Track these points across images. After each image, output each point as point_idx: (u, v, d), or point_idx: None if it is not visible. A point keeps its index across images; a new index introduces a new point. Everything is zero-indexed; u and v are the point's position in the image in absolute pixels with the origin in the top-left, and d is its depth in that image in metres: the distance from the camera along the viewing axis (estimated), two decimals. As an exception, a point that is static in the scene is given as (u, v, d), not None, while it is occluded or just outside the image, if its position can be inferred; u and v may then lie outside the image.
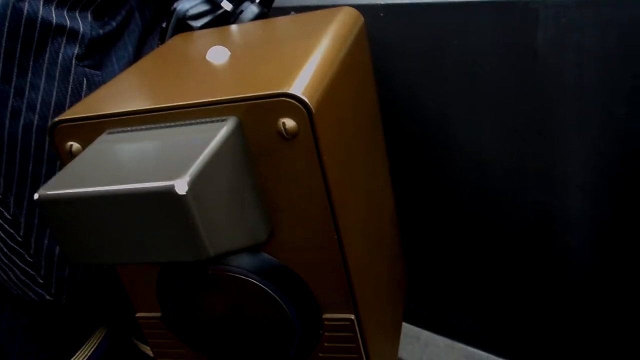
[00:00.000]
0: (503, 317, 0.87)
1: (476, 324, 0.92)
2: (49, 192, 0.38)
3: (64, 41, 0.61)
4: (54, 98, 0.61)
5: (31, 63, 0.59)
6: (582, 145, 0.66)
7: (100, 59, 0.67)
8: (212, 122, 0.42)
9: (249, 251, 0.49)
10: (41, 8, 0.58)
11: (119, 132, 0.44)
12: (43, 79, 0.60)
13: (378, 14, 0.71)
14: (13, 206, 0.61)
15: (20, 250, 0.63)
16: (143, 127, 0.44)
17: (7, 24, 0.56)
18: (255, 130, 0.42)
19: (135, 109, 0.44)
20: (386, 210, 0.69)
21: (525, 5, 0.62)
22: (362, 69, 0.60)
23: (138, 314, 0.57)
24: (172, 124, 0.43)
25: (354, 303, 0.50)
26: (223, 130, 0.41)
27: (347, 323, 0.51)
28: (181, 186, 0.35)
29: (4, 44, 0.56)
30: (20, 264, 0.63)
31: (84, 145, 0.46)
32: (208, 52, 0.52)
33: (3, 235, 0.62)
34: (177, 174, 0.35)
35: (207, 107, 0.42)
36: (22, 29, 0.57)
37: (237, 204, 0.42)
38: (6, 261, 0.63)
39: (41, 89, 0.60)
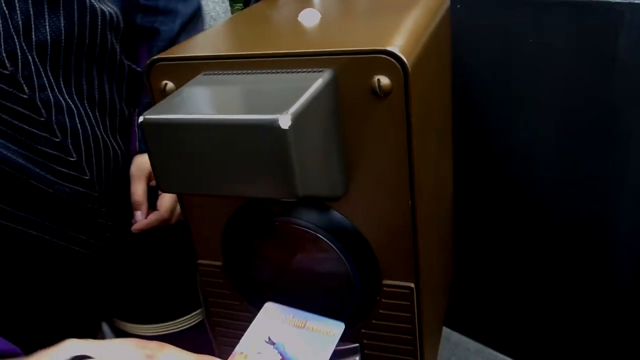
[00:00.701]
0: (537, 327, 0.87)
1: (509, 332, 0.92)
2: (153, 117, 0.40)
3: None
4: None
5: None
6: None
7: None
8: (309, 72, 0.43)
9: (319, 208, 0.50)
10: None
11: (215, 73, 0.46)
12: None
13: (455, 6, 0.72)
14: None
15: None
16: (239, 71, 0.45)
17: None
18: (349, 85, 0.43)
19: (233, 53, 0.46)
20: (447, 194, 0.69)
21: (610, 7, 0.62)
22: (445, 47, 0.61)
23: (199, 261, 0.58)
24: (269, 71, 0.45)
25: (417, 272, 0.51)
26: (320, 80, 0.42)
27: (406, 291, 0.51)
28: (285, 121, 0.36)
29: None
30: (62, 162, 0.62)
31: (178, 86, 0.47)
32: (300, 14, 0.54)
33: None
34: (281, 110, 0.37)
35: (305, 57, 0.44)
36: None
37: (324, 153, 0.43)
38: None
39: None
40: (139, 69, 0.71)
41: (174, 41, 0.70)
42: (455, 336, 1.02)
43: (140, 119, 0.39)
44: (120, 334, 0.85)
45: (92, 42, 0.61)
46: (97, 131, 0.63)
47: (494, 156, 0.79)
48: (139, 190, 0.68)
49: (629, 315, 0.74)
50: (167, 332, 0.83)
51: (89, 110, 0.63)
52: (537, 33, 0.68)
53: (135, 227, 0.69)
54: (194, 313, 0.84)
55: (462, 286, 0.92)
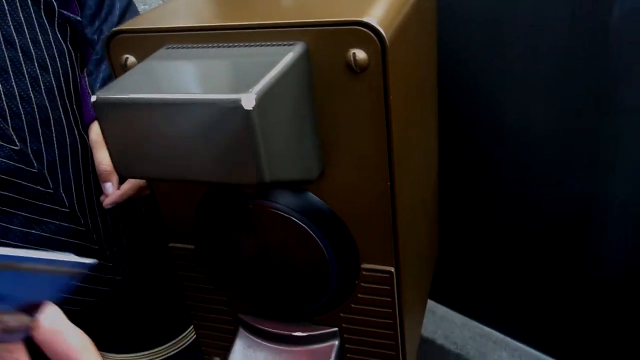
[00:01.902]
0: (524, 301, 0.86)
1: (495, 305, 0.91)
2: (107, 96, 0.36)
3: None
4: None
5: None
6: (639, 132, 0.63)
7: None
8: (279, 45, 0.40)
9: (294, 190, 0.47)
10: None
11: (179, 47, 0.43)
12: None
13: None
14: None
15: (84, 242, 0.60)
16: (205, 45, 0.42)
17: None
18: (323, 60, 0.40)
19: (198, 24, 0.42)
20: (431, 173, 0.67)
21: (605, -26, 0.59)
22: (430, 21, 0.58)
23: (171, 244, 0.56)
24: (236, 44, 0.41)
25: (396, 256, 0.48)
26: (290, 54, 0.39)
27: (386, 275, 0.49)
28: (249, 100, 0.33)
29: None
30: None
31: (140, 60, 0.44)
32: None
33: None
34: (245, 88, 0.34)
35: (274, 29, 0.40)
36: None
37: (295, 133, 0.40)
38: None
39: None
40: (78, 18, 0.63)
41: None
42: (441, 309, 1.01)
43: (93, 98, 0.36)
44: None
45: None
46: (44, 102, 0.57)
47: (483, 133, 0.76)
48: (105, 158, 0.59)
49: (616, 291, 0.73)
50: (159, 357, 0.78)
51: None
52: (531, 3, 0.64)
53: (108, 200, 0.61)
54: (183, 335, 0.80)
55: (448, 260, 0.90)
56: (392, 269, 0.49)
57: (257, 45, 0.41)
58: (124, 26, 0.45)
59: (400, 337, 0.53)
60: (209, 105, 0.34)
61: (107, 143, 0.38)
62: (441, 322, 1.00)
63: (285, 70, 0.37)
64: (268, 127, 0.35)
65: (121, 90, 0.37)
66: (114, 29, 0.45)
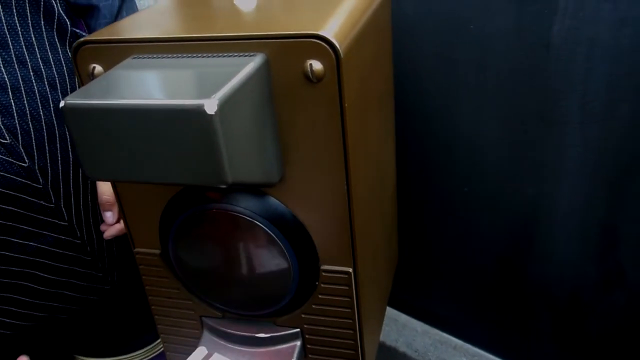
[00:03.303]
0: (482, 307, 0.89)
1: (454, 313, 0.94)
2: (75, 102, 0.38)
3: None
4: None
5: None
6: (582, 141, 0.67)
7: None
8: (241, 56, 0.43)
9: (256, 194, 0.49)
10: None
11: (145, 57, 0.45)
12: None
13: (397, -8, 0.72)
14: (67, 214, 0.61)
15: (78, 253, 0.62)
16: (170, 55, 0.44)
17: None
18: (282, 70, 0.43)
19: (164, 36, 0.44)
20: (389, 181, 0.70)
21: (547, -6, 0.63)
22: (385, 34, 0.61)
23: (136, 249, 0.57)
24: (200, 55, 0.44)
25: (354, 257, 0.51)
26: (252, 64, 0.41)
27: (344, 276, 0.51)
28: (211, 106, 0.35)
29: None
30: (80, 268, 0.63)
31: (107, 69, 0.46)
32: None
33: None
34: (207, 95, 0.36)
35: (237, 41, 0.43)
36: None
37: (256, 139, 0.42)
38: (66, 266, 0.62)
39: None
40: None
41: (116, 17, 0.67)
42: (403, 318, 1.03)
43: (62, 103, 0.38)
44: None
45: None
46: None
47: (436, 142, 0.80)
48: (107, 190, 0.62)
49: (571, 289, 0.77)
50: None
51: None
52: (479, 19, 0.69)
53: (108, 233, 0.62)
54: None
55: (409, 269, 0.93)
56: (350, 270, 0.51)
57: (220, 56, 0.43)
58: (92, 36, 0.47)
59: (359, 337, 0.55)
60: (174, 110, 0.36)
61: (76, 146, 0.40)
62: (403, 329, 1.03)
63: (246, 79, 0.40)
64: (229, 131, 0.37)
65: (89, 96, 0.39)
66: (81, 39, 0.47)
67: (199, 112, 0.36)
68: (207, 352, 0.54)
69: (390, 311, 1.04)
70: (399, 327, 1.03)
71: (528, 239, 0.78)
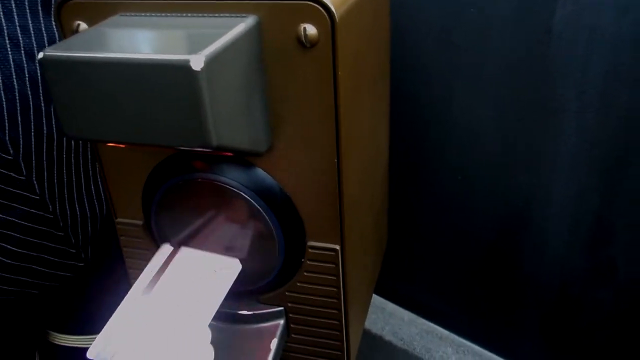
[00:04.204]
0: (469, 297, 0.88)
1: (441, 303, 0.93)
2: (55, 53, 0.36)
3: None
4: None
5: None
6: (578, 130, 0.66)
7: None
8: (231, 17, 0.41)
9: (243, 165, 0.48)
10: None
11: (132, 15, 0.43)
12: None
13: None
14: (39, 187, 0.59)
15: (50, 228, 0.60)
16: (159, 14, 0.43)
17: None
18: (274, 33, 0.41)
19: (153, -7, 0.43)
20: (381, 162, 0.68)
21: (549, -21, 0.62)
22: (383, 10, 0.60)
23: (118, 220, 0.55)
24: (189, 14, 0.42)
25: (342, 234, 0.49)
26: (242, 24, 0.39)
27: (331, 253, 0.50)
28: (197, 62, 0.34)
29: None
30: (52, 243, 0.61)
31: (93, 27, 0.44)
32: None
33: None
34: (194, 51, 0.34)
35: (228, 1, 0.41)
36: None
37: (244, 103, 0.41)
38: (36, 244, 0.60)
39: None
40: None
41: None
42: (390, 306, 1.02)
43: (40, 55, 0.36)
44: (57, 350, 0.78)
45: None
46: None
47: (431, 127, 0.78)
48: None
49: (560, 282, 0.76)
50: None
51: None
52: (480, 2, 0.67)
53: None
54: None
55: (397, 257, 0.92)
56: (338, 247, 0.50)
57: (210, 15, 0.41)
58: (77, -7, 0.45)
59: (344, 317, 0.54)
60: (158, 66, 0.35)
61: (55, 103, 0.38)
62: (390, 318, 1.02)
63: (236, 39, 0.38)
64: (216, 91, 0.36)
65: (70, 48, 0.37)
66: (66, -5, 0.45)
67: (184, 67, 0.34)
68: (172, 248, 0.53)
69: (377, 299, 1.03)
70: (386, 316, 1.02)
71: (519, 229, 0.77)
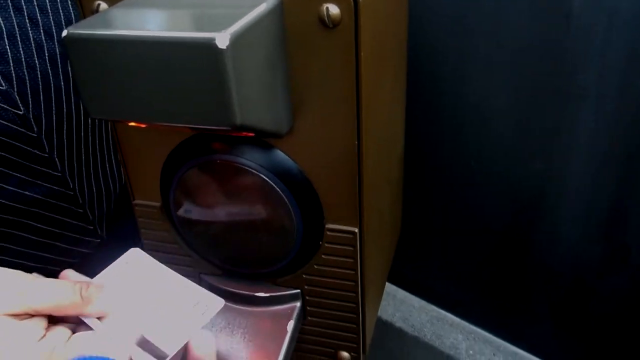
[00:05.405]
0: (480, 284, 0.88)
1: (452, 289, 0.93)
2: (78, 32, 0.36)
3: None
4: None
5: None
6: (595, 116, 0.66)
7: None
8: (254, -4, 0.41)
9: (263, 146, 0.48)
10: None
11: (154, -6, 0.43)
12: None
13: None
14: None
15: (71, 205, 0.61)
16: (180, -7, 0.42)
17: None
18: (297, 13, 0.41)
19: (175, -28, 0.42)
20: (398, 146, 0.68)
21: (569, -40, 0.61)
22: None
23: (135, 201, 0.56)
24: (211, -6, 0.42)
25: (360, 217, 0.49)
26: (265, 4, 0.39)
27: (350, 236, 0.50)
28: (223, 40, 0.34)
29: None
30: (72, 220, 0.62)
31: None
32: None
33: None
34: (219, 29, 0.34)
35: (250, -20, 0.41)
36: None
37: (267, 83, 0.40)
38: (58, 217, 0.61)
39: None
40: None
41: None
42: (401, 293, 1.03)
43: (64, 33, 0.36)
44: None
45: None
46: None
47: (445, 111, 0.78)
48: None
49: (574, 269, 0.76)
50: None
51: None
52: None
53: None
54: None
55: (410, 243, 0.92)
56: (356, 230, 0.50)
57: (233, -5, 0.41)
58: (98, -28, 0.45)
59: (361, 301, 0.54)
60: (183, 44, 0.34)
61: (77, 82, 0.38)
62: (401, 305, 1.02)
63: (260, 18, 0.38)
64: (240, 70, 0.36)
65: (93, 27, 0.37)
66: (87, -26, 0.44)
67: (210, 45, 0.34)
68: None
69: (388, 286, 1.03)
70: (397, 303, 1.02)
71: (533, 216, 0.76)
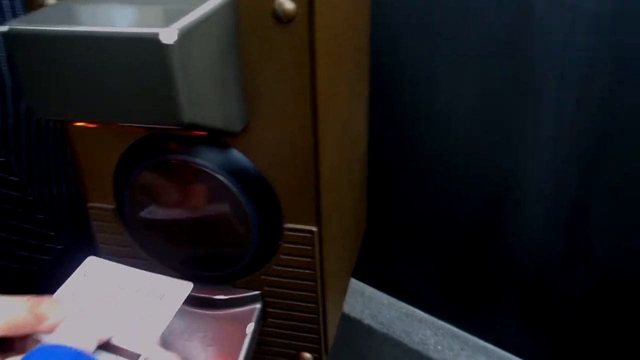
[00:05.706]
0: (448, 280, 0.88)
1: (420, 286, 0.93)
2: (19, 27, 0.35)
3: None
4: None
5: None
6: (557, 112, 0.66)
7: None
8: (205, -9, 0.39)
9: (218, 146, 0.47)
10: None
11: (101, -11, 0.41)
12: None
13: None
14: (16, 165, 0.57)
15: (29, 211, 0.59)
16: (128, -13, 0.41)
17: None
18: (251, 8, 0.40)
19: (122, -33, 0.41)
20: (359, 144, 0.67)
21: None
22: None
23: (89, 204, 0.54)
24: (161, -12, 0.40)
25: (318, 215, 0.49)
26: (216, -1, 0.38)
27: (308, 235, 0.49)
28: (169, 35, 0.33)
29: None
30: (31, 226, 0.60)
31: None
32: None
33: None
34: (166, 24, 0.33)
35: (201, -25, 0.40)
36: None
37: (218, 80, 0.40)
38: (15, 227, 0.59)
39: None
40: None
41: None
42: (370, 290, 1.02)
43: (3, 28, 0.34)
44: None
45: None
46: None
47: (411, 112, 0.78)
48: None
49: (538, 264, 0.76)
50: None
51: None
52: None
53: None
54: None
55: (376, 241, 0.92)
56: (315, 229, 0.49)
57: (183, -10, 0.40)
58: (43, -34, 0.43)
59: (321, 300, 0.53)
60: (128, 39, 0.33)
61: (20, 81, 0.37)
62: (369, 302, 1.02)
63: (210, 13, 0.37)
64: (188, 66, 0.35)
65: (35, 22, 0.35)
66: (32, -32, 0.43)
67: (155, 41, 0.33)
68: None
69: (356, 283, 1.02)
70: (366, 300, 1.02)
71: (498, 212, 0.77)
